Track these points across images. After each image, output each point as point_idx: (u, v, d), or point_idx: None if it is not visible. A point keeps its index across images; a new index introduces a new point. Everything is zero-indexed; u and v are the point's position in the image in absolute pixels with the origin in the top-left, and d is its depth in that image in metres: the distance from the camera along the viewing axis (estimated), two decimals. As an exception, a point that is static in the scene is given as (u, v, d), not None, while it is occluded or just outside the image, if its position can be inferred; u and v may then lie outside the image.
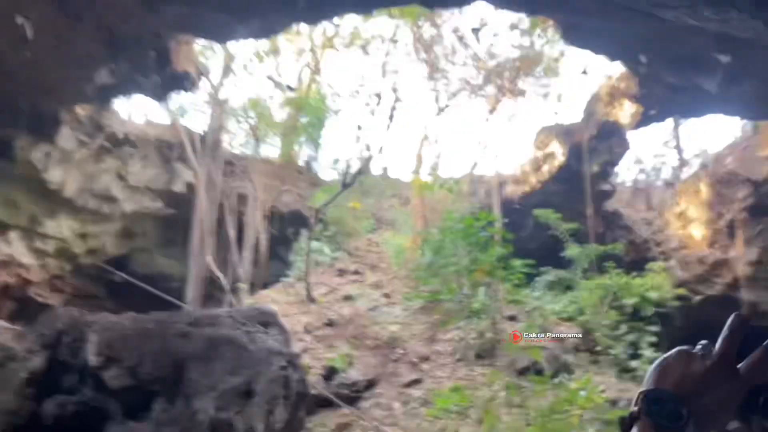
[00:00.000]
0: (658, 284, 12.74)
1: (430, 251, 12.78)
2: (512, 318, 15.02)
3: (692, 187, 21.20)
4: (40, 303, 17.01)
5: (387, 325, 14.26)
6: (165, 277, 19.18)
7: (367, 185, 19.75)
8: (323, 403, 11.29)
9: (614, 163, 17.25)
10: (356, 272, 16.90)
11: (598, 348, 13.37)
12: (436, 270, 12.02)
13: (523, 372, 13.03)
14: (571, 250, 14.37)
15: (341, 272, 16.93)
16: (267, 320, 7.31)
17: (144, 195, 18.04)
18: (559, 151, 16.62)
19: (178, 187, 18.28)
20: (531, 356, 11.76)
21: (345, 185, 14.59)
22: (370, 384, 12.71)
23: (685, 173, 21.85)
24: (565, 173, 17.16)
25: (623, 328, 12.48)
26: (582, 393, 7.74)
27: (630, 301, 11.95)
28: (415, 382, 12.64)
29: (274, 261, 18.94)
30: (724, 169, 18.58)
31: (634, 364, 12.76)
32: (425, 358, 13.48)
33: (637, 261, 17.89)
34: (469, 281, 11.13)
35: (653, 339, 11.73)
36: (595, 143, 16.07)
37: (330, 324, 14.69)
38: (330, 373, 12.71)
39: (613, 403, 9.84)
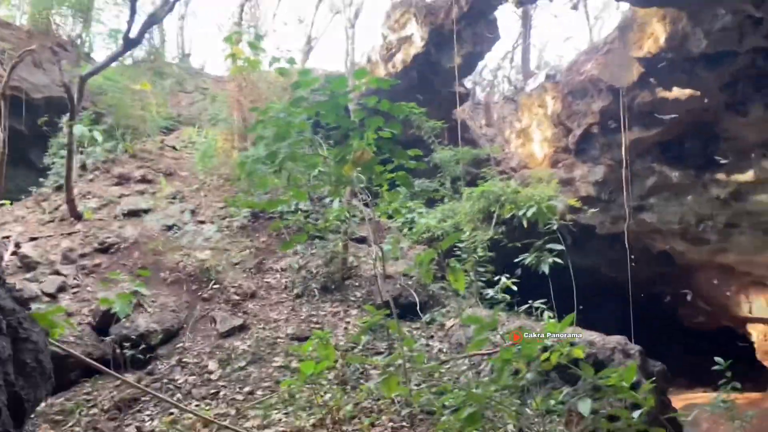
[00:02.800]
0: (553, 195, 10.09)
1: (267, 141, 8.62)
2: (362, 240, 11.59)
3: (536, 101, 19.40)
4: None
5: (193, 251, 9.94)
6: None
7: (162, 67, 14.63)
8: (95, 367, 6.92)
9: (479, 56, 14.33)
10: (145, 180, 12.08)
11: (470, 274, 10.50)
12: (275, 166, 7.93)
13: (387, 307, 9.75)
14: (442, 153, 11.24)
15: (122, 179, 11.98)
16: None
17: None
18: (417, 35, 13.19)
19: None
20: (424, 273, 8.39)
21: (129, 43, 9.63)
22: (170, 335, 8.44)
23: (530, 87, 19.96)
24: (422, 65, 13.83)
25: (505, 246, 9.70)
26: (549, 342, 4.49)
27: (528, 212, 9.08)
28: (239, 330, 8.66)
29: (21, 167, 13.22)
30: (581, 77, 16.73)
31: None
32: (251, 295, 9.51)
33: (472, 182, 15.43)
34: (331, 180, 7.29)
35: (556, 260, 9.03)
36: (462, 26, 12.88)
37: (104, 249, 9.93)
38: (105, 322, 8.19)
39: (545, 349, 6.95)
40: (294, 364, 7.71)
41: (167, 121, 13.92)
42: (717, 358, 8.80)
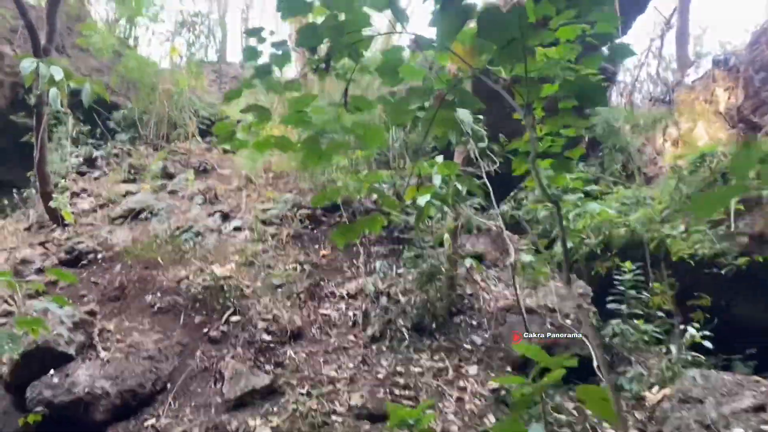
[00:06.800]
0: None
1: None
2: (480, 258, 7.40)
3: (701, 96, 14.74)
4: None
5: (212, 264, 6.19)
6: None
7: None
8: None
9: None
10: (166, 175, 8.64)
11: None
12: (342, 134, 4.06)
13: (523, 368, 5.48)
14: (612, 112, 7.03)
15: (135, 173, 8.59)
16: None
17: None
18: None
19: None
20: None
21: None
22: (136, 402, 4.57)
23: (692, 78, 15.38)
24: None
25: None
26: None
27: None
28: (263, 395, 4.67)
29: (19, 161, 10.19)
30: (771, 52, 12.07)
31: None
32: (294, 335, 5.52)
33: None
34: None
35: None
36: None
37: (72, 261, 6.39)
38: (22, 375, 4.50)
39: None
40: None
41: (210, 111, 10.52)
42: None
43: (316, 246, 7.20)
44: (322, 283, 6.44)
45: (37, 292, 5.11)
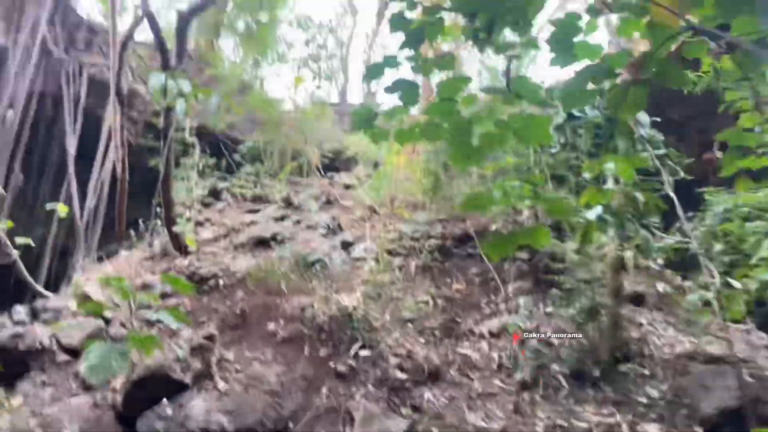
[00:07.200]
0: None
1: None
2: (636, 300, 6.31)
3: None
4: None
5: (337, 293, 5.59)
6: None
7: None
8: None
9: None
10: (288, 204, 8.30)
11: None
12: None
13: (718, 427, 4.35)
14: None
15: (259, 203, 8.35)
16: None
17: None
18: None
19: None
20: None
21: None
22: None
23: None
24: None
25: None
26: None
27: None
28: (398, 444, 3.90)
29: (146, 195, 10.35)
30: None
31: None
32: (432, 375, 4.74)
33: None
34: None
35: None
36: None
37: (196, 285, 6.00)
38: (133, 405, 4.03)
39: None
40: None
41: (332, 147, 10.29)
42: None
43: (448, 279, 6.44)
44: (457, 319, 5.65)
45: (150, 307, 4.73)
